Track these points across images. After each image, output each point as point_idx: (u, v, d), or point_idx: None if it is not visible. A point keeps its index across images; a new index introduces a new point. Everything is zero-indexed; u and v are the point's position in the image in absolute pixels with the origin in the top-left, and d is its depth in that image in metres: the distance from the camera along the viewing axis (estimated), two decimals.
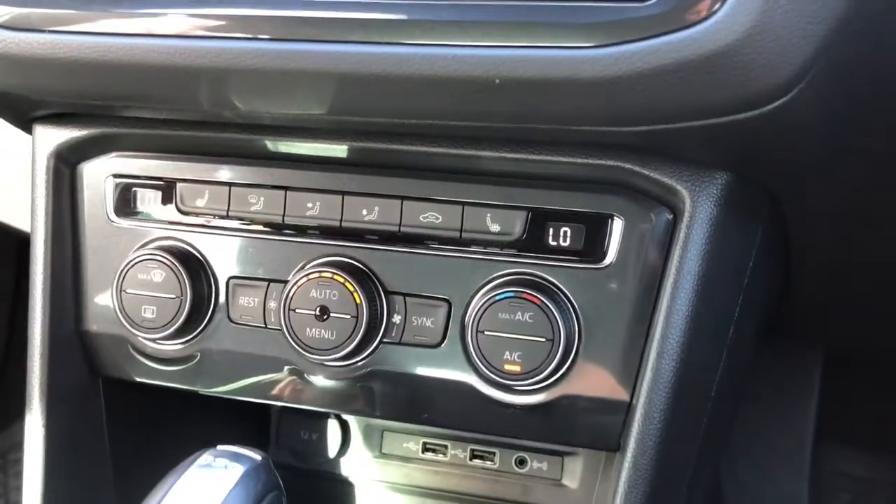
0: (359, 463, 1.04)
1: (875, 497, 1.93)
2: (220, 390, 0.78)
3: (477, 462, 1.02)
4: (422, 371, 0.72)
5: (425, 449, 1.03)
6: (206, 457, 0.56)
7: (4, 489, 2.09)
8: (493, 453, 1.01)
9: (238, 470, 0.54)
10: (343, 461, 1.05)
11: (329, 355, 0.70)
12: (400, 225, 0.71)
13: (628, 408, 0.68)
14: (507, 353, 0.67)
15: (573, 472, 0.98)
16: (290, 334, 0.71)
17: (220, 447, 0.57)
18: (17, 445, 2.09)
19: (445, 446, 1.03)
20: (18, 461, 2.08)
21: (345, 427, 1.05)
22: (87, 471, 0.83)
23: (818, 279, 0.92)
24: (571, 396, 0.68)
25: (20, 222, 1.00)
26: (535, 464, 1.00)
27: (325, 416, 1.04)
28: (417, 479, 1.03)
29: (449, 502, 1.03)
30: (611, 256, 0.67)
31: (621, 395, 0.67)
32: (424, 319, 0.71)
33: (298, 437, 1.05)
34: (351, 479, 1.05)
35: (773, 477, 1.85)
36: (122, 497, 0.85)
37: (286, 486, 0.66)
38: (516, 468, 1.00)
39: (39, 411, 0.78)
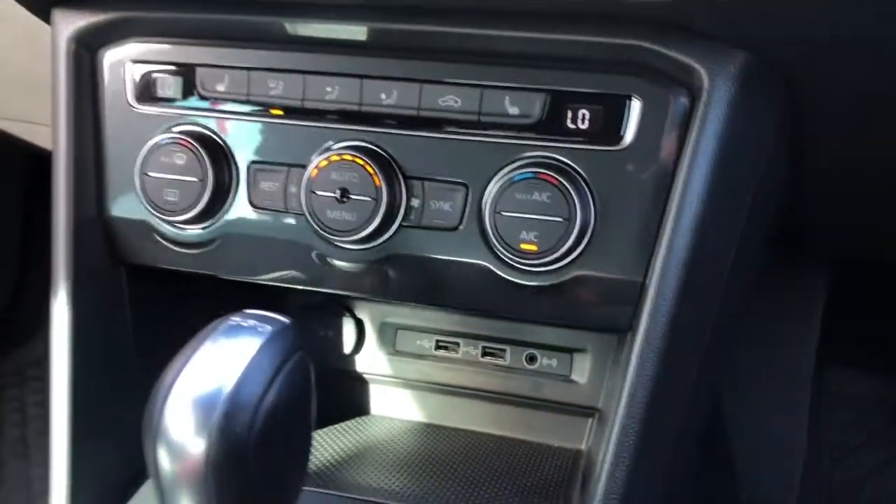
0: (373, 360, 1.07)
1: (875, 416, 1.97)
2: (241, 275, 0.80)
3: (488, 359, 1.04)
4: (439, 254, 0.73)
5: (438, 346, 1.06)
6: (234, 318, 0.57)
7: (22, 404, 2.14)
8: (504, 350, 1.03)
9: (266, 329, 0.56)
10: (358, 358, 1.08)
11: (349, 237, 0.72)
12: (419, 108, 0.72)
13: (641, 288, 0.69)
14: (524, 232, 0.68)
15: (582, 368, 1.01)
16: (311, 217, 0.72)
17: (246, 311, 0.59)
18: (35, 362, 2.14)
19: (458, 343, 1.05)
20: (36, 378, 2.13)
21: (360, 325, 1.07)
22: (112, 356, 0.85)
23: (830, 180, 0.92)
24: (585, 277, 0.70)
25: (39, 117, 1.00)
26: (545, 361, 1.02)
27: (341, 313, 1.06)
28: (430, 376, 1.06)
29: (461, 398, 1.06)
30: (628, 138, 0.68)
31: (634, 275, 0.69)
32: (442, 203, 0.72)
33: (316, 334, 1.07)
34: (365, 375, 1.08)
35: (773, 394, 1.89)
36: (146, 380, 0.88)
37: None
38: (526, 365, 1.03)
39: (65, 297, 0.79)
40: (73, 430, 0.80)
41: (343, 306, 1.07)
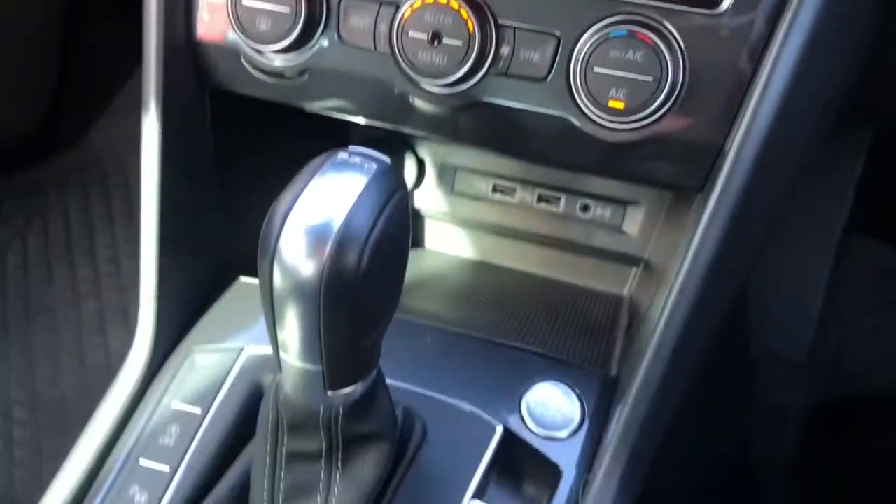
0: (432, 198, 1.11)
1: (890, 286, 2.03)
2: (325, 107, 0.82)
3: (543, 205, 1.08)
4: (523, 104, 0.75)
5: (495, 189, 1.09)
6: (342, 154, 0.60)
7: (65, 208, 2.21)
8: (559, 198, 1.07)
9: (372, 167, 0.59)
10: (417, 195, 1.12)
11: (438, 80, 0.73)
12: None
13: (719, 152, 0.71)
14: (613, 89, 0.69)
15: (634, 220, 1.05)
16: (401, 57, 0.73)
17: (350, 147, 0.62)
18: (77, 168, 2.19)
19: (514, 188, 1.09)
20: (80, 185, 2.19)
21: (421, 163, 1.10)
22: (195, 173, 0.89)
23: None
24: (666, 136, 0.72)
25: None
26: (598, 210, 1.06)
27: (403, 150, 1.09)
28: (486, 217, 1.10)
29: (515, 240, 1.11)
30: (726, 3, 0.68)
31: (715, 139, 0.71)
32: (533, 53, 0.73)
33: None
34: (424, 212, 1.13)
35: (796, 255, 1.94)
36: (225, 197, 0.93)
37: None
38: (580, 213, 1.07)
39: (154, 116, 0.82)
40: (161, 238, 0.86)
41: (405, 143, 1.09)
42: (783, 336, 1.90)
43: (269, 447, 0.67)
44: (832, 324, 1.99)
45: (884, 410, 1.69)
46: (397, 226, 0.59)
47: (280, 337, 0.60)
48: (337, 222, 0.55)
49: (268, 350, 0.71)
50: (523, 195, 1.08)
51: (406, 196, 0.61)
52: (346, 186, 0.57)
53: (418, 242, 1.15)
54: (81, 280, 2.09)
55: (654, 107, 0.69)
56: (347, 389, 0.63)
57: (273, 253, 0.56)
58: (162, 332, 0.87)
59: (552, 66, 0.72)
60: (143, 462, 0.78)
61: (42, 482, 1.77)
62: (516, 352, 0.85)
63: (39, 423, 1.86)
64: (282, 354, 0.62)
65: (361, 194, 0.57)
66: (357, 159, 0.59)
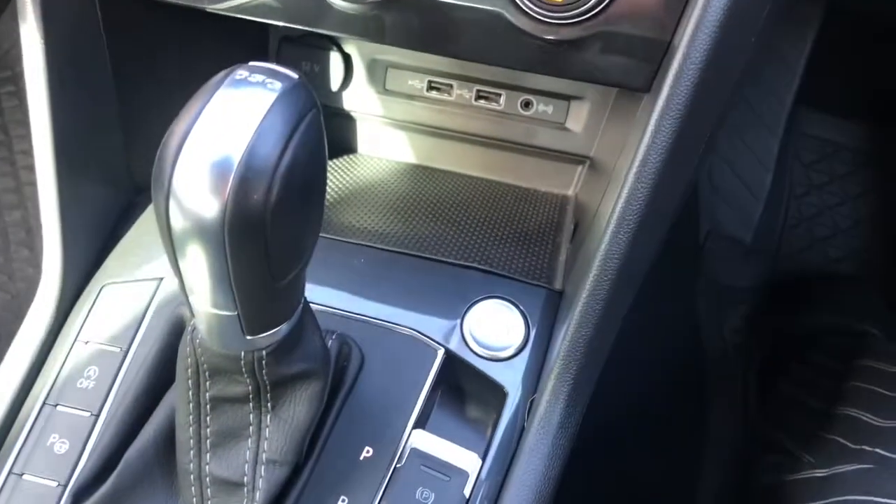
0: (361, 98, 1.03)
1: (835, 160, 2.03)
2: (230, 7, 0.73)
3: (482, 103, 1.01)
4: None
5: (430, 87, 1.01)
6: (241, 71, 0.52)
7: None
8: (499, 94, 1.00)
9: (276, 86, 0.51)
10: (345, 95, 1.03)
11: None
12: None
13: (667, 48, 0.65)
14: None
15: (578, 116, 0.99)
16: None
17: (252, 63, 0.54)
18: None
19: (451, 85, 1.01)
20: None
21: (347, 61, 1.01)
22: (90, 88, 0.80)
23: None
24: (609, 33, 0.65)
25: None
26: (541, 107, 0.99)
27: (327, 47, 1.00)
28: (421, 118, 1.03)
29: (452, 141, 1.04)
30: None
31: (663, 34, 0.64)
32: None
33: (299, 67, 1.02)
34: (353, 113, 1.05)
35: (746, 134, 1.91)
36: (127, 123, 0.84)
37: None
38: (521, 111, 1.00)
39: (34, 26, 0.72)
40: (57, 160, 0.77)
41: (330, 40, 1.00)
42: (731, 215, 1.89)
43: (190, 393, 0.62)
44: (779, 201, 1.99)
45: (829, 288, 1.71)
46: (311, 152, 0.52)
47: (186, 281, 0.54)
48: (238, 152, 0.48)
49: None
50: (461, 93, 1.00)
51: (319, 116, 0.53)
52: (248, 109, 0.50)
53: (349, 147, 1.08)
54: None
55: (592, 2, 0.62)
56: (269, 332, 0.58)
57: (168, 189, 0.49)
58: (70, 264, 0.79)
59: None
60: (62, 408, 0.72)
61: None
62: (456, 269, 0.80)
63: None
64: (191, 298, 0.56)
65: (266, 117, 0.49)
66: (259, 76, 0.51)
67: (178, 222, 0.50)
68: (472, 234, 0.90)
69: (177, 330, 0.74)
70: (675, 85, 0.64)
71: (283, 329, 0.59)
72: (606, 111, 0.96)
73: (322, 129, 0.53)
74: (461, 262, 0.80)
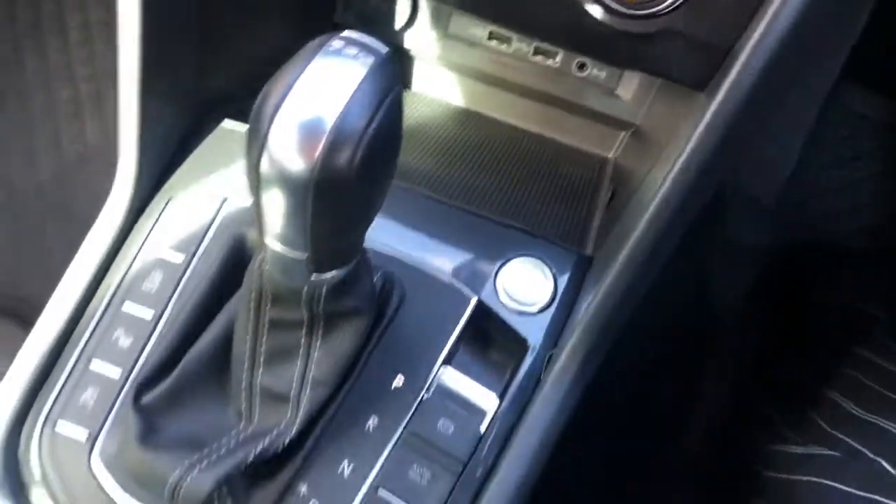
0: (424, 40, 1.06)
1: (869, 136, 2.04)
2: None
3: (539, 58, 1.04)
4: None
5: (491, 37, 1.05)
6: (336, 42, 0.57)
7: None
8: (557, 52, 1.03)
9: (368, 60, 0.56)
10: (408, 35, 1.07)
11: None
12: None
13: (727, 53, 0.69)
14: None
15: (629, 85, 1.02)
16: None
17: (347, 33, 0.58)
18: None
19: (510, 38, 1.04)
20: None
21: (414, 2, 1.04)
22: (179, 7, 0.84)
23: None
24: (676, 31, 0.69)
25: None
26: (595, 71, 1.03)
27: None
28: (478, 64, 1.06)
29: (503, 90, 1.08)
30: None
31: (726, 39, 0.68)
32: None
33: (368, 2, 1.05)
34: (413, 53, 1.08)
35: (787, 99, 1.91)
36: (206, 41, 0.88)
37: None
38: (576, 71, 1.04)
39: None
40: (142, 67, 0.82)
41: None
42: (757, 177, 1.92)
43: (251, 314, 0.70)
44: (806, 170, 2.02)
45: (840, 264, 1.76)
46: (392, 123, 0.58)
47: (265, 221, 0.60)
48: (331, 119, 0.54)
49: (248, 202, 0.72)
50: (519, 45, 1.04)
51: (402, 92, 0.59)
52: (342, 80, 0.55)
53: (406, 84, 1.12)
54: (53, 66, 2.01)
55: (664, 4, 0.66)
56: (331, 273, 0.65)
57: (263, 142, 0.55)
58: (144, 172, 0.85)
59: None
60: (127, 306, 0.80)
61: (18, 271, 1.81)
62: (496, 225, 0.86)
63: (16, 209, 1.86)
64: (266, 237, 0.62)
65: (357, 89, 0.55)
66: (353, 50, 0.56)
67: (267, 173, 0.56)
68: (513, 188, 0.96)
69: (237, 248, 0.80)
70: (730, 91, 0.68)
71: (343, 270, 0.65)
72: (657, 84, 1.00)
73: (402, 104, 0.58)
74: (501, 221, 0.86)
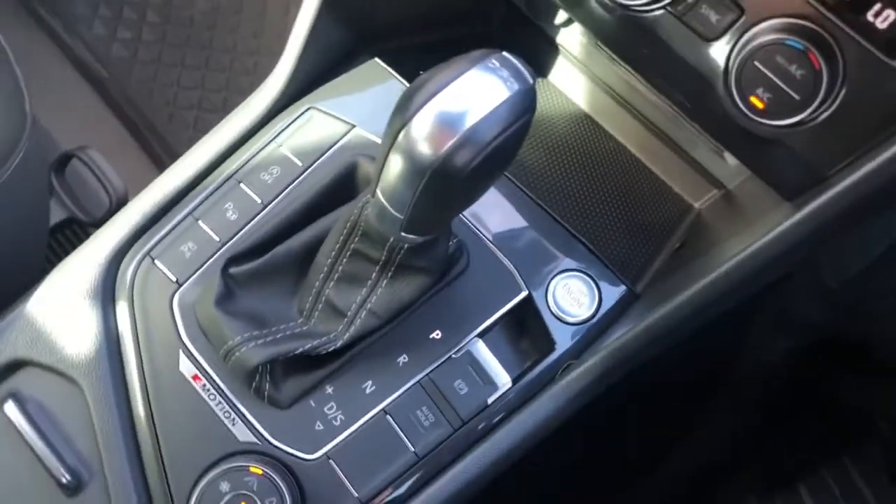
0: (574, 40, 1.12)
1: None
2: None
3: (665, 97, 1.11)
4: (679, 50, 0.78)
5: None
6: (495, 59, 0.66)
7: None
8: None
9: (514, 86, 0.65)
10: (563, 31, 1.13)
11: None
12: None
13: (822, 178, 0.76)
14: (761, 89, 0.72)
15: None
16: None
17: (506, 54, 0.67)
18: None
19: None
20: None
21: None
22: None
23: None
24: (782, 145, 0.76)
25: None
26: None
27: None
28: (612, 80, 1.12)
29: (624, 110, 1.14)
30: None
31: (825, 168, 0.75)
32: (712, 13, 0.74)
33: None
34: (560, 44, 1.15)
35: None
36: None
37: None
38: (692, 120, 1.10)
39: None
40: None
41: None
42: (828, 265, 1.93)
43: (341, 238, 0.81)
44: (881, 268, 2.01)
45: (869, 363, 1.77)
46: (513, 144, 0.68)
47: (382, 176, 0.71)
48: (465, 125, 0.64)
49: (372, 136, 0.87)
50: None
51: (531, 120, 0.68)
52: (487, 94, 0.64)
53: (541, 73, 1.19)
54: None
55: (787, 122, 0.72)
56: (418, 237, 0.76)
57: (407, 122, 0.65)
58: (296, 76, 0.96)
59: (723, 34, 0.74)
60: (243, 187, 0.92)
61: (151, 90, 1.96)
62: (567, 233, 0.95)
63: (166, 31, 2.00)
64: (377, 187, 0.73)
65: (497, 107, 0.64)
66: (506, 72, 0.65)
67: (401, 143, 0.66)
68: (595, 203, 1.04)
69: (348, 173, 0.92)
70: (818, 209, 0.75)
71: (428, 237, 0.76)
72: None
73: (528, 130, 0.68)
74: (575, 234, 0.95)
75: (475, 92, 0.64)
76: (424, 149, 0.65)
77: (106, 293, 0.91)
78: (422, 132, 0.65)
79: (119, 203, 1.29)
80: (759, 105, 0.73)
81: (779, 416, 1.54)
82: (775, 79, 0.72)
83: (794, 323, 1.86)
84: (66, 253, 0.95)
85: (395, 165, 0.68)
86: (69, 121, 1.74)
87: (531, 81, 0.67)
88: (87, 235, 0.97)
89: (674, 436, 1.60)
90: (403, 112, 0.66)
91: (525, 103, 0.66)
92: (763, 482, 1.25)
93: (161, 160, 1.83)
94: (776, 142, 0.76)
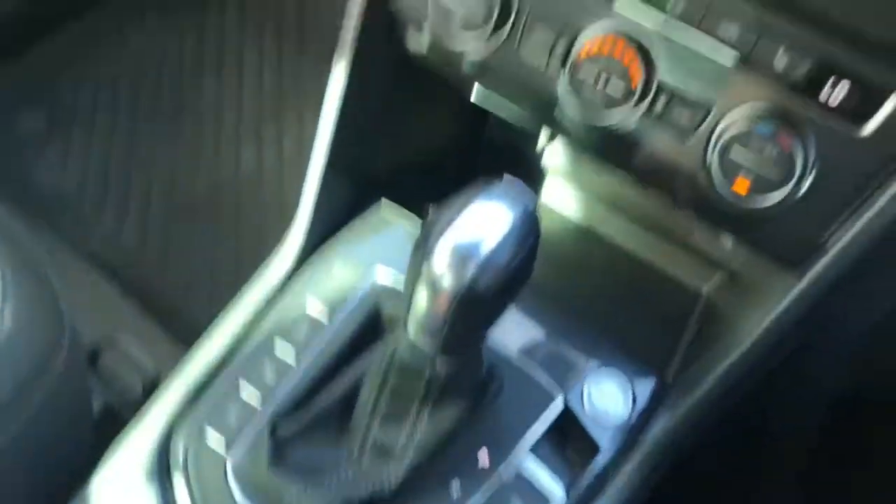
0: (559, 156, 1.20)
1: None
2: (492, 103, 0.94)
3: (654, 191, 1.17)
4: (659, 149, 0.85)
5: None
6: (500, 188, 0.72)
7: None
8: None
9: (520, 209, 0.71)
10: (548, 150, 1.21)
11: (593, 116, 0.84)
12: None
13: (818, 246, 0.81)
14: (742, 174, 0.78)
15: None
16: (570, 88, 0.83)
17: (506, 180, 0.73)
18: None
19: None
20: None
21: None
22: (366, 111, 1.02)
23: None
24: (768, 223, 0.81)
25: None
26: None
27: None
28: (598, 186, 1.19)
29: (614, 211, 1.19)
30: (871, 126, 0.74)
31: (816, 238, 0.80)
32: (683, 115, 0.81)
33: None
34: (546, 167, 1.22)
35: None
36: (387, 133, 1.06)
37: None
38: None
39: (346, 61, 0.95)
40: (328, 160, 1.01)
41: None
42: (840, 326, 1.94)
43: (379, 382, 0.85)
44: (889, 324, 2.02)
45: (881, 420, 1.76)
46: (528, 263, 0.73)
47: (411, 311, 0.76)
48: (483, 253, 0.69)
49: (393, 279, 0.92)
50: None
51: (539, 238, 0.73)
52: (496, 222, 0.70)
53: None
54: (226, 87, 2.26)
55: (771, 202, 0.78)
56: (451, 359, 0.80)
57: (427, 255, 0.70)
58: (312, 231, 1.03)
59: (695, 130, 0.81)
60: (278, 347, 0.97)
61: (165, 271, 2.03)
62: (594, 337, 0.99)
63: (173, 210, 2.10)
64: (408, 325, 0.77)
65: (507, 233, 0.70)
66: (508, 199, 0.71)
67: (423, 278, 0.71)
68: (607, 306, 1.08)
69: (373, 317, 0.97)
70: (819, 275, 0.80)
71: (461, 359, 0.81)
72: None
73: (538, 248, 0.73)
74: (596, 335, 0.99)
75: (485, 220, 0.70)
76: (448, 280, 0.70)
77: (162, 469, 0.94)
78: (443, 264, 0.70)
79: (152, 384, 1.33)
80: (743, 190, 0.79)
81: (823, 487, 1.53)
82: (751, 166, 0.78)
83: (824, 389, 1.86)
84: (109, 440, 0.99)
85: (420, 297, 0.73)
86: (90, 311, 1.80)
87: (533, 204, 0.73)
88: (125, 422, 1.01)
89: None
90: (424, 245, 0.71)
91: (531, 224, 0.72)
92: None
93: (184, 337, 1.88)
94: (768, 218, 0.81)
